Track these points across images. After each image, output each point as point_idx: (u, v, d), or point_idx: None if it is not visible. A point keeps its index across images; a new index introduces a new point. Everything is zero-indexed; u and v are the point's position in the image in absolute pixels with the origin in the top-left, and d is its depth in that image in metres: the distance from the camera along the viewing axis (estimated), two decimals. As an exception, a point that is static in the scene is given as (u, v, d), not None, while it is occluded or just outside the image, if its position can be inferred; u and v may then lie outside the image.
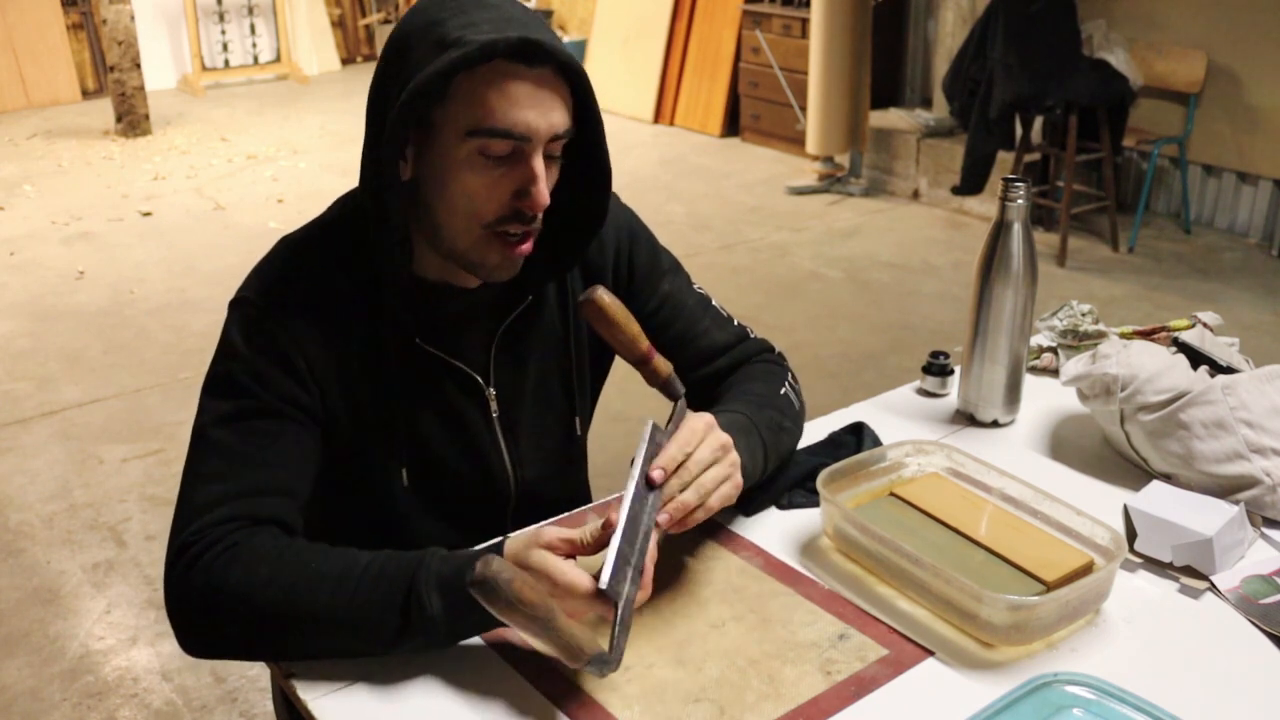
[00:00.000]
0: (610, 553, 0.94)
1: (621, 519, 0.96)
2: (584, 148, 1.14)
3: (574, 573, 0.95)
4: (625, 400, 2.71)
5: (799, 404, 1.33)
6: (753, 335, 1.38)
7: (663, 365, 1.11)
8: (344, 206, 1.20)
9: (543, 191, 1.07)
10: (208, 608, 1.00)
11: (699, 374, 1.33)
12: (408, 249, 1.14)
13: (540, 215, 1.11)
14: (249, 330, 1.12)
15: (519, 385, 1.26)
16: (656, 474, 1.01)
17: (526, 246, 1.13)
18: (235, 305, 1.15)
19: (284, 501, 1.08)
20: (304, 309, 1.13)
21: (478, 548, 1.05)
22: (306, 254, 1.17)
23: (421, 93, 1.02)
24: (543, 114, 1.05)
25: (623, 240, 1.30)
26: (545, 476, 1.31)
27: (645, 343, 1.10)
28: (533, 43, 1.02)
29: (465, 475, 1.24)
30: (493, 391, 1.23)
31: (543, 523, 1.21)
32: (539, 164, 1.07)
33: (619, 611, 0.93)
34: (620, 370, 1.38)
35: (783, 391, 1.31)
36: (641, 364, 1.11)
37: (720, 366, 1.34)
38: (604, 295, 1.07)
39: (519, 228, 1.10)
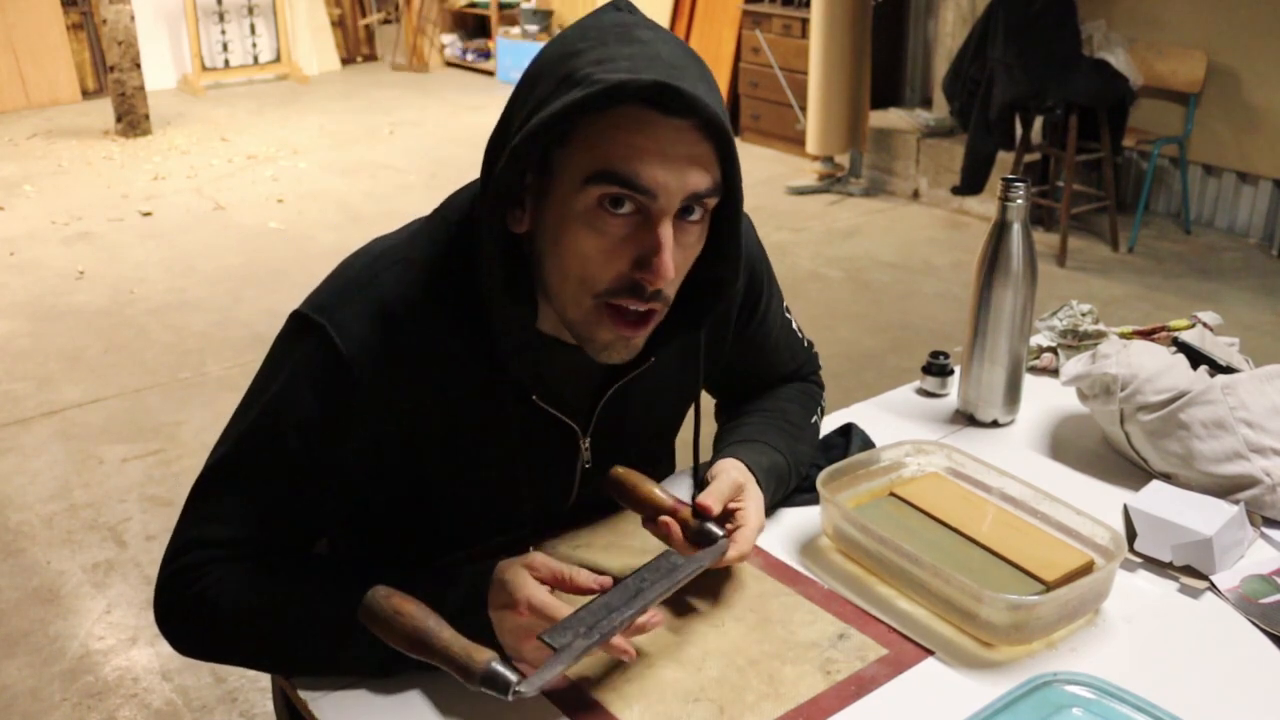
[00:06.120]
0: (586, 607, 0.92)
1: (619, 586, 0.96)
2: (717, 210, 0.98)
3: (535, 590, 0.92)
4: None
5: (819, 429, 1.34)
6: (812, 352, 1.37)
7: (689, 516, 1.04)
8: (448, 232, 1.03)
9: (666, 263, 0.91)
10: (196, 633, 1.04)
11: (754, 388, 1.33)
12: (532, 303, 1.01)
13: (664, 293, 0.95)
14: (323, 374, 0.98)
15: (618, 437, 1.16)
16: (713, 505, 1.03)
17: (644, 330, 0.97)
18: (311, 330, 0.99)
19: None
20: (399, 365, 0.99)
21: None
22: (410, 295, 1.00)
23: (538, 133, 0.88)
24: (675, 172, 0.90)
25: (745, 268, 1.17)
26: None
27: (668, 499, 1.05)
28: (669, 89, 0.87)
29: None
30: (588, 442, 1.13)
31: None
32: (666, 231, 0.91)
33: (559, 655, 0.88)
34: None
35: (814, 420, 1.31)
36: (656, 515, 1.05)
37: (773, 385, 1.34)
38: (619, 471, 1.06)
39: (636, 303, 0.94)
